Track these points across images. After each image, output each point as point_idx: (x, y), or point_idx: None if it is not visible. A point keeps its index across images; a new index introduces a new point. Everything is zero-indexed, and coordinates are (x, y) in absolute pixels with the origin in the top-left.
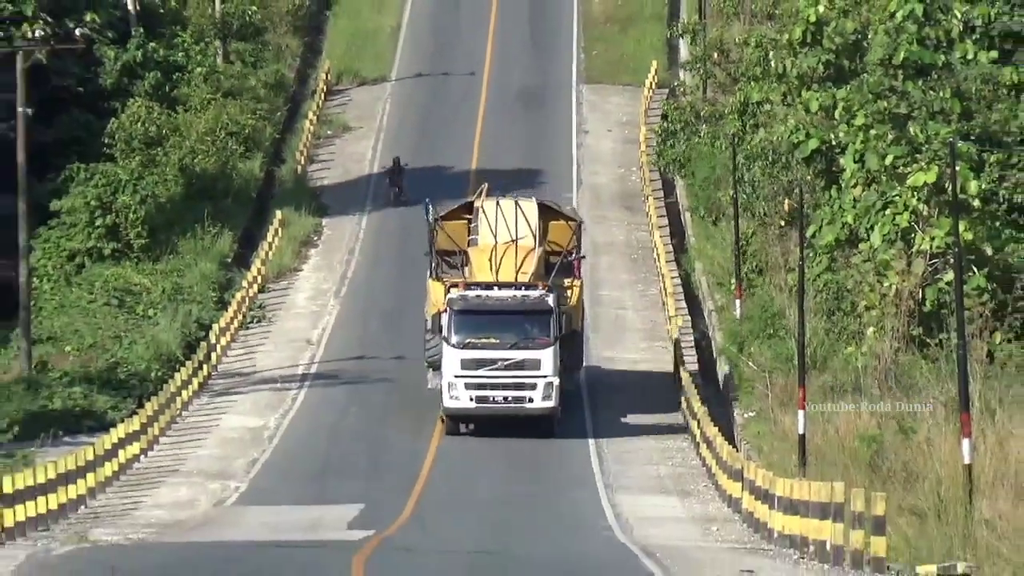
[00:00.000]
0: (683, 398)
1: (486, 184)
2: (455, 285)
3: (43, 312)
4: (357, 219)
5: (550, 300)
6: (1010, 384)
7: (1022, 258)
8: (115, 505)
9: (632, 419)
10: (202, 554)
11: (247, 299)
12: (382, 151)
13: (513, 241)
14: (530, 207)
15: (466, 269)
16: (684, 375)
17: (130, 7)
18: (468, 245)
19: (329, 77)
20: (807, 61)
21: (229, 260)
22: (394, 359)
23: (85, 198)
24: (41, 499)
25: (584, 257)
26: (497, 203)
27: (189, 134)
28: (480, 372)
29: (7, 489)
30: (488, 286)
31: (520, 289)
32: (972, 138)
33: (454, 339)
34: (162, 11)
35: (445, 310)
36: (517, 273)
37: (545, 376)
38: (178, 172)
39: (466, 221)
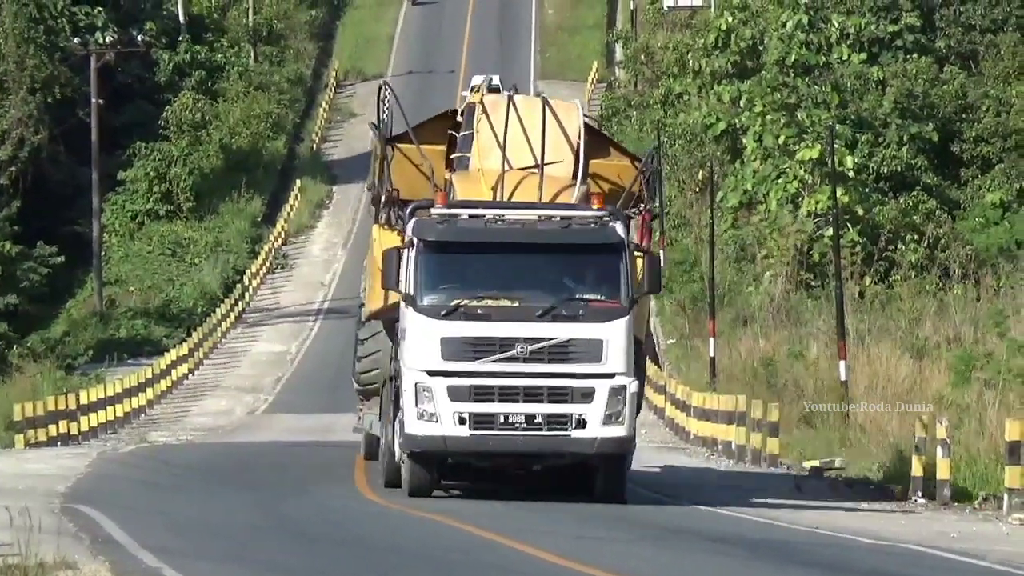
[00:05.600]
0: None
1: (489, 76)
2: (424, 206)
3: (111, 260)
4: (360, 186)
5: (619, 228)
6: (876, 317)
7: (886, 217)
8: (169, 413)
9: None
10: (237, 451)
11: (273, 250)
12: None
13: (537, 166)
14: (569, 112)
15: None
16: None
17: (180, 18)
18: (451, 169)
19: (338, 74)
20: (718, 61)
21: (259, 219)
22: None
23: (145, 170)
24: (110, 408)
25: (656, 215)
26: (511, 101)
27: (227, 119)
28: (481, 366)
29: (83, 400)
30: (491, 204)
31: (557, 209)
32: (847, 122)
33: (427, 300)
34: (206, 21)
35: (407, 247)
36: None
37: (611, 375)
38: (219, 149)
39: (442, 146)
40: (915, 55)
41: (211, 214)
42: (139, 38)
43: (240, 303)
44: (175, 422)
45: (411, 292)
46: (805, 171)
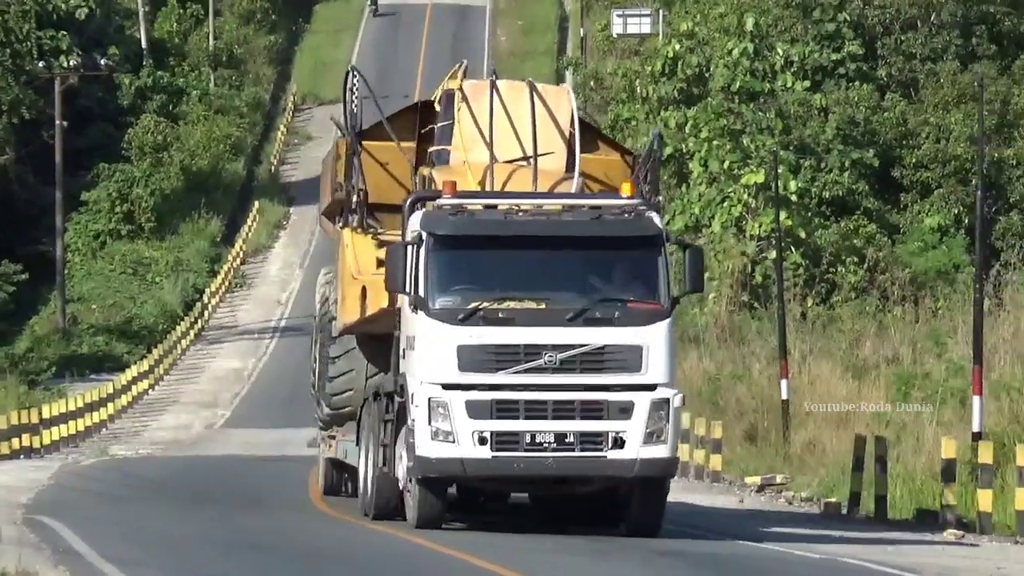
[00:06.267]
0: None
1: (464, 61)
2: (429, 197)
3: (75, 278)
4: (317, 208)
5: (655, 218)
6: (818, 338)
7: (828, 240)
8: (129, 427)
9: None
10: (195, 464)
11: (232, 269)
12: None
13: (526, 158)
14: (559, 98)
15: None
16: None
17: (143, 43)
18: (429, 165)
19: (296, 98)
20: (665, 88)
21: (218, 239)
22: None
23: (108, 191)
24: (72, 423)
25: (660, 208)
26: (494, 86)
27: (188, 142)
28: (503, 378)
29: (46, 415)
30: (507, 194)
31: (584, 198)
32: (791, 148)
33: (441, 302)
34: (168, 46)
35: (414, 243)
36: None
37: (652, 386)
38: (179, 171)
39: (411, 143)
40: (857, 83)
41: (172, 234)
42: (103, 62)
43: (199, 321)
44: (135, 436)
45: (421, 294)
46: (749, 195)
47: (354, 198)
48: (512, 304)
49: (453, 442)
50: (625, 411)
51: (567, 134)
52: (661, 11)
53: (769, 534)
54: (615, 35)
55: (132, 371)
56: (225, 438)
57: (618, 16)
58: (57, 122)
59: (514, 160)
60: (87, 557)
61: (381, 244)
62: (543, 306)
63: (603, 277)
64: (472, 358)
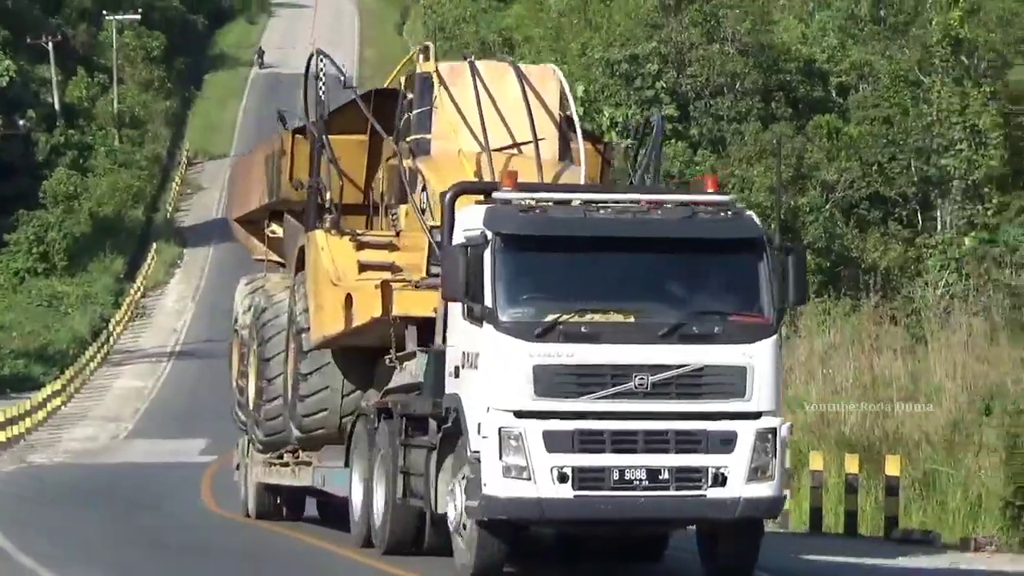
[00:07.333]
0: None
1: (427, 44)
2: (475, 190)
3: None
4: (207, 249)
5: (755, 218)
6: None
7: None
8: (45, 439)
9: None
10: (103, 471)
11: (133, 302)
12: (223, 204)
13: (515, 145)
14: (545, 80)
15: (399, 215)
16: None
17: (56, 106)
18: (407, 157)
19: (189, 154)
20: None
21: (122, 276)
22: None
23: (26, 234)
24: None
25: None
26: (474, 68)
27: (95, 192)
28: (587, 404)
29: None
30: (574, 187)
31: (664, 193)
32: None
33: (512, 314)
34: (78, 108)
35: (473, 245)
36: None
37: (757, 414)
38: (88, 217)
39: (363, 136)
40: (673, 140)
41: (81, 271)
42: (21, 123)
43: (105, 346)
44: (50, 446)
45: (487, 304)
46: None
47: (328, 196)
48: (596, 317)
49: (528, 479)
50: (727, 443)
51: (558, 118)
52: None
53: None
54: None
55: (47, 390)
56: (128, 448)
57: None
58: None
59: (503, 148)
60: (9, 552)
61: (361, 246)
62: (631, 319)
63: (698, 285)
64: (551, 381)
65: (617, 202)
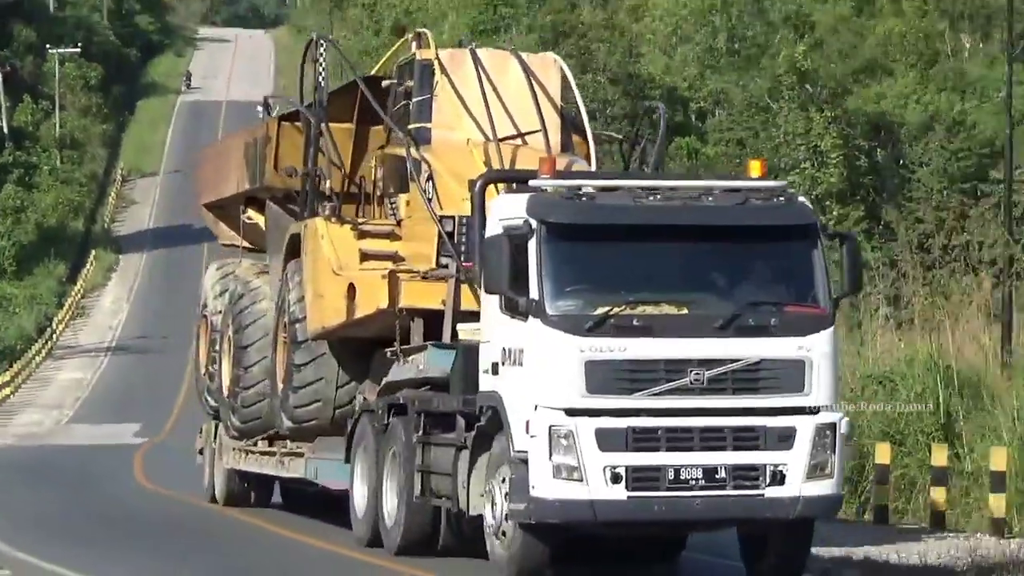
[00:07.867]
0: None
1: (421, 31)
2: (507, 178)
3: None
4: (139, 255)
5: (808, 204)
6: None
7: None
8: None
9: None
10: (46, 452)
11: (74, 302)
12: (156, 215)
13: (521, 135)
14: (546, 68)
15: (399, 204)
16: None
17: (4, 129)
18: (406, 146)
19: (123, 171)
20: None
21: (64, 279)
22: (161, 339)
23: None
24: None
25: None
26: (475, 55)
27: (40, 205)
28: (641, 401)
29: None
30: (617, 174)
31: (718, 179)
32: None
33: (560, 307)
34: (25, 131)
35: (515, 234)
36: None
37: (815, 409)
38: (34, 227)
39: (348, 124)
40: None
41: (28, 275)
42: None
43: (49, 342)
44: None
45: (533, 297)
46: None
47: (327, 183)
48: (648, 309)
49: (580, 480)
50: (785, 439)
51: (560, 107)
52: None
53: None
54: None
55: None
56: (70, 432)
57: None
58: None
59: (508, 138)
60: None
61: (363, 235)
62: (684, 311)
63: (752, 275)
64: (603, 377)
65: (668, 189)
